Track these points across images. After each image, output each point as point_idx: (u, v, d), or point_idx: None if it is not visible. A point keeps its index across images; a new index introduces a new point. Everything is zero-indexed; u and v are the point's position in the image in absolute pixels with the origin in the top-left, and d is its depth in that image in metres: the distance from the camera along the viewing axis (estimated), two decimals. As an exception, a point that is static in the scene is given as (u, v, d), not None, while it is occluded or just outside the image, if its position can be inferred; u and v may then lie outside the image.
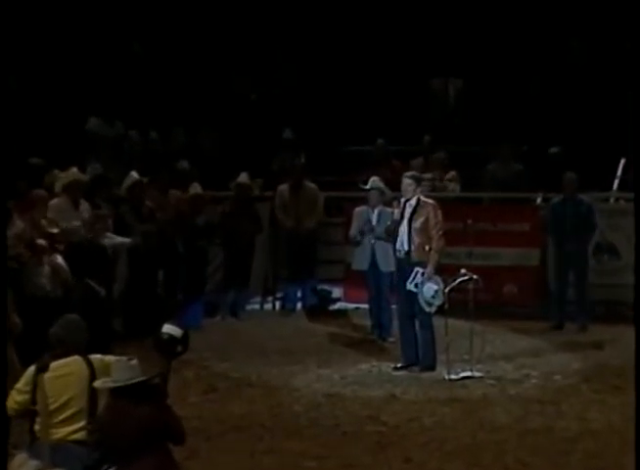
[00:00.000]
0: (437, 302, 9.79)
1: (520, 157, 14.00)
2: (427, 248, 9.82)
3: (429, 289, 9.76)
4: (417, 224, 9.87)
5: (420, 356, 9.94)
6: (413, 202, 9.97)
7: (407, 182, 10.03)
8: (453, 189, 13.99)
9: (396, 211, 10.09)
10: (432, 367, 9.88)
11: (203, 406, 8.90)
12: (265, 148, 15.01)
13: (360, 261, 11.39)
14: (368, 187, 11.36)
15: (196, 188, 12.48)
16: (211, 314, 12.51)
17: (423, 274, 9.78)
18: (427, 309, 9.84)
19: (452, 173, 14.02)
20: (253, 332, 11.91)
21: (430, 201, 10.07)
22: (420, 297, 9.82)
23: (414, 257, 9.87)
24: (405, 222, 9.91)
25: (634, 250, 11.26)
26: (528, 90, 15.35)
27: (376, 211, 11.30)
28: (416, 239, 9.85)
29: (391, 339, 11.05)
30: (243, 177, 12.73)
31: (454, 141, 14.89)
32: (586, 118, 14.36)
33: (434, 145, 14.47)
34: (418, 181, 10.10)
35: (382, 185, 11.41)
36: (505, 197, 13.37)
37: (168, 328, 5.68)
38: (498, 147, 13.87)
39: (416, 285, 9.81)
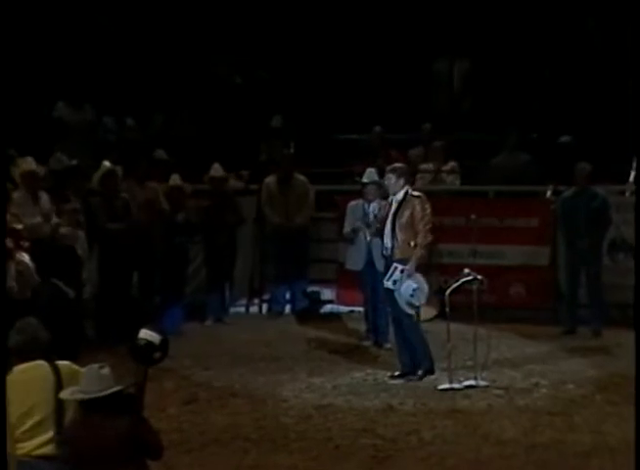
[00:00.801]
0: (416, 302, 9.80)
1: (528, 146, 14.01)
2: (412, 244, 9.84)
3: (407, 287, 9.78)
4: (403, 219, 9.91)
5: (415, 363, 9.95)
6: (400, 196, 10.00)
7: (387, 177, 10.14)
8: (452, 182, 14.02)
9: (376, 205, 10.06)
10: (431, 371, 9.89)
11: (182, 418, 8.92)
12: (251, 136, 15.00)
13: (355, 261, 11.40)
14: (365, 180, 11.37)
15: (175, 180, 12.48)
16: (193, 318, 12.51)
17: (402, 271, 9.81)
18: (407, 311, 9.88)
19: (451, 164, 14.04)
20: (238, 337, 11.91)
21: (417, 193, 10.07)
22: (398, 296, 9.85)
23: (397, 254, 9.91)
24: (390, 218, 10.00)
25: (635, 248, 11.33)
26: (541, 73, 15.35)
27: (372, 206, 11.31)
28: (400, 235, 9.88)
29: (388, 345, 11.07)
30: (216, 170, 12.71)
31: (459, 129, 14.89)
32: (601, 105, 14.38)
33: (437, 133, 14.49)
34: (398, 173, 10.06)
35: (379, 178, 11.41)
36: (512, 190, 13.39)
37: (145, 333, 5.67)
38: (504, 136, 13.88)
39: (394, 282, 9.83)
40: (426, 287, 9.83)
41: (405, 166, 10.43)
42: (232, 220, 12.66)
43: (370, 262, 11.16)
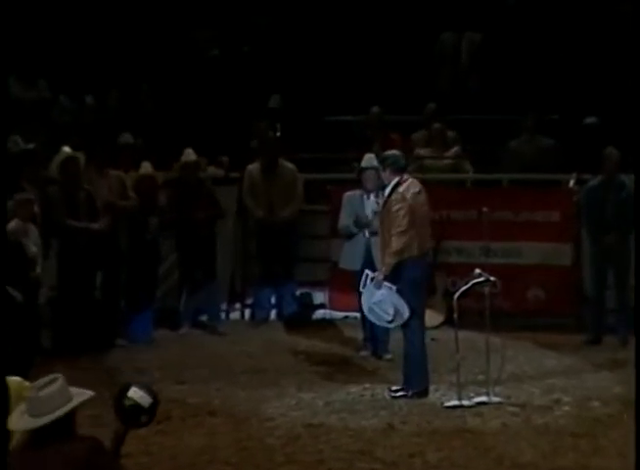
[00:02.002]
0: (376, 317, 9.83)
1: (548, 129, 14.01)
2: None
3: (369, 299, 9.81)
4: (384, 218, 9.90)
5: (406, 380, 9.93)
6: (387, 190, 9.95)
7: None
8: (455, 170, 14.02)
9: (376, 197, 10.06)
10: (423, 393, 9.88)
11: (152, 439, 8.88)
12: (231, 117, 14.98)
13: (351, 259, 11.39)
14: (363, 166, 11.34)
15: (147, 168, 12.46)
16: (166, 325, 12.49)
17: (372, 279, 9.83)
18: (374, 321, 9.94)
19: (454, 150, 14.05)
20: (217, 347, 11.93)
21: (401, 189, 9.91)
22: (365, 305, 9.89)
23: (380, 258, 9.92)
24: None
25: (635, 248, 11.34)
26: (561, 47, 15.35)
27: (372, 197, 11.29)
28: (383, 237, 9.85)
29: (388, 355, 11.09)
30: (188, 155, 12.67)
31: (467, 110, 14.91)
32: (630, 83, 14.37)
33: (441, 114, 14.50)
34: (385, 163, 9.98)
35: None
36: (529, 179, 13.41)
37: (135, 393, 5.67)
38: (522, 118, 13.88)
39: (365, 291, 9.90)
40: (395, 301, 9.74)
41: (397, 154, 10.17)
42: (209, 213, 12.60)
43: (369, 262, 11.09)
